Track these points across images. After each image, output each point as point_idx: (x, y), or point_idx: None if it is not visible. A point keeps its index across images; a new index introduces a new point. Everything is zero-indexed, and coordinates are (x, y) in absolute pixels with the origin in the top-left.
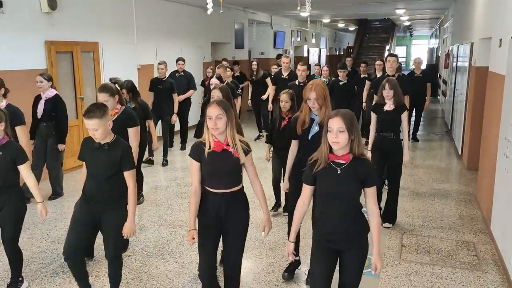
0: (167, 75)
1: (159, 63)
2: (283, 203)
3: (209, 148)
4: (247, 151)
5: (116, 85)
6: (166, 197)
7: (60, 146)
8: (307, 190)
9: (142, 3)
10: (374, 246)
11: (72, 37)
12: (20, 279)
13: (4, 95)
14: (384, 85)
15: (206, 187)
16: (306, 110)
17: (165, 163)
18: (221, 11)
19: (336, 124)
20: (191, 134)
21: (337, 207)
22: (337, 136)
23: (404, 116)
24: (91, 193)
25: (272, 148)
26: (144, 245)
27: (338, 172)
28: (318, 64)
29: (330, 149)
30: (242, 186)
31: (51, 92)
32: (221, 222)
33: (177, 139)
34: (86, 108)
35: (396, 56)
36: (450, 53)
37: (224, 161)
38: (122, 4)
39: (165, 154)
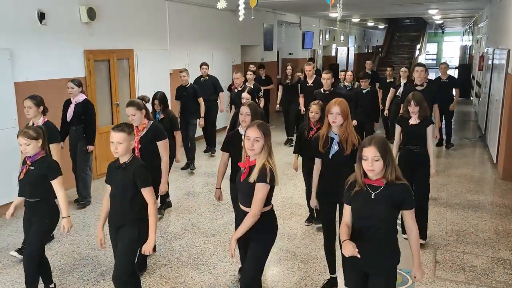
0: (190, 82)
1: (180, 71)
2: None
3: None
4: (262, 179)
5: (143, 101)
6: (199, 204)
7: (89, 147)
8: (348, 210)
9: (174, 9)
10: (414, 258)
11: (109, 46)
12: (52, 286)
13: (43, 113)
14: (410, 101)
15: (239, 202)
16: (327, 126)
17: (192, 167)
18: (252, 17)
19: (371, 153)
20: (219, 137)
21: (370, 231)
22: (373, 164)
23: (430, 129)
24: (113, 213)
25: (300, 158)
26: (179, 254)
27: (372, 197)
28: (344, 70)
29: (364, 174)
30: (270, 209)
31: (81, 97)
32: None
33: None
34: (115, 125)
35: (424, 65)
36: (484, 55)
37: (244, 179)
38: (156, 11)
39: (192, 158)
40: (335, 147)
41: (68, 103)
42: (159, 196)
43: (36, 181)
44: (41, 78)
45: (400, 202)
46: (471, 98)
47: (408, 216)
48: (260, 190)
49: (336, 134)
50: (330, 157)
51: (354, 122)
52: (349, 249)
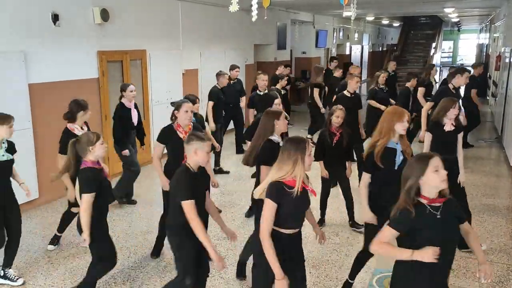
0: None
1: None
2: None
3: (297, 189)
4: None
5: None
6: None
7: (123, 152)
8: (390, 235)
9: (187, 9)
10: (479, 254)
11: (122, 46)
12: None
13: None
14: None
15: (278, 229)
16: (389, 138)
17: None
18: (265, 17)
19: (440, 163)
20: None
21: (442, 256)
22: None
23: (461, 135)
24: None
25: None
26: None
27: (438, 217)
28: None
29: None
30: None
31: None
32: (291, 264)
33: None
34: (189, 135)
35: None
36: (501, 54)
37: (305, 200)
38: (169, 12)
39: (217, 160)
40: (401, 157)
41: (127, 108)
42: None
43: None
44: (55, 79)
45: (459, 217)
46: (487, 98)
47: (469, 232)
48: None
49: (397, 143)
50: (396, 168)
51: None
52: (431, 254)
